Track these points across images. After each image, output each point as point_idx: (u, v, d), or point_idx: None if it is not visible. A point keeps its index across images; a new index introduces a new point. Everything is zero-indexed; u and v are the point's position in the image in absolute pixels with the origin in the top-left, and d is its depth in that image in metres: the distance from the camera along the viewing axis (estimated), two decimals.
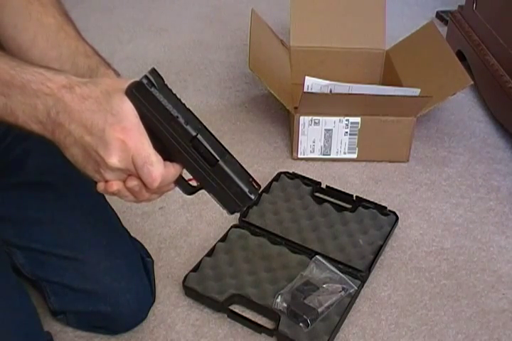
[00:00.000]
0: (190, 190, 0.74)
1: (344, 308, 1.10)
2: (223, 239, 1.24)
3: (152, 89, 0.66)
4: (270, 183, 1.40)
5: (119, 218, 1.10)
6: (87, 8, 2.34)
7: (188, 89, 1.85)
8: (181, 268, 1.19)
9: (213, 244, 1.22)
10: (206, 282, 1.13)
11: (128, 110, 0.65)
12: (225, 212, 0.74)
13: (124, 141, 0.65)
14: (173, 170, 0.69)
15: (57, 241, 1.00)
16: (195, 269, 1.16)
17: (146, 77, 0.66)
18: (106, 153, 0.65)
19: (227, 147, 0.73)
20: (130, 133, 0.65)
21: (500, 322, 1.13)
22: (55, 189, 1.02)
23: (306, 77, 1.47)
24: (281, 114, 1.71)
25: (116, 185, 0.69)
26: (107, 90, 0.66)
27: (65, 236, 1.01)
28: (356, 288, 1.13)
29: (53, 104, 0.66)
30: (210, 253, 1.20)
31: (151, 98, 0.66)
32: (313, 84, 1.47)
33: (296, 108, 1.46)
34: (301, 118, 1.46)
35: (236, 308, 1.11)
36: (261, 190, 1.36)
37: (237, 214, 1.28)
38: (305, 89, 1.46)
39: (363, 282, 1.16)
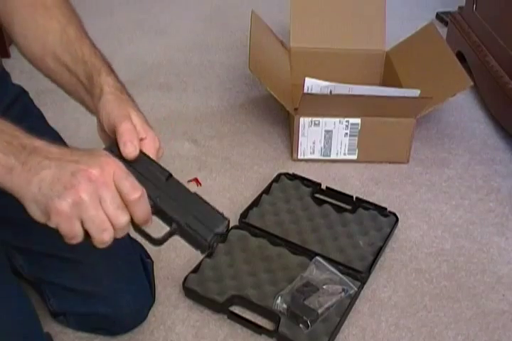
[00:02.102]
0: (156, 242, 0.74)
1: (344, 309, 1.10)
2: (223, 240, 1.24)
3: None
4: (270, 184, 1.39)
5: None
6: (87, 9, 2.33)
7: (187, 90, 1.86)
8: (181, 270, 1.19)
9: None
10: (206, 283, 1.13)
11: (109, 157, 0.67)
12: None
13: (106, 160, 0.65)
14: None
15: (57, 243, 0.99)
16: (195, 270, 1.16)
17: None
18: (90, 162, 0.64)
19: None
20: (110, 158, 0.66)
21: (500, 323, 1.13)
22: None
23: (306, 78, 1.47)
24: (282, 115, 1.71)
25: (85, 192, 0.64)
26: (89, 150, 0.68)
27: None
28: (356, 289, 1.13)
29: (30, 142, 0.65)
30: (210, 255, 1.20)
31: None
32: (313, 85, 1.47)
33: (296, 109, 1.46)
34: (301, 119, 1.46)
35: (236, 309, 1.11)
36: (261, 191, 1.37)
37: (237, 216, 1.28)
38: (305, 90, 1.46)
39: (363, 283, 1.16)
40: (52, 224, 0.64)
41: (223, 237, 0.74)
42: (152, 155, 0.74)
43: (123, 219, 0.66)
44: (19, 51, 0.89)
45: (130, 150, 0.71)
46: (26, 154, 0.64)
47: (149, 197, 0.68)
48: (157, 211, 0.71)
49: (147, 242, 0.74)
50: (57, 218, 0.63)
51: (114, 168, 0.65)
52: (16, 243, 1.01)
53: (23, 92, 1.10)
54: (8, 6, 0.87)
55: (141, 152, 0.73)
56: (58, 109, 1.63)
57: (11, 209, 1.00)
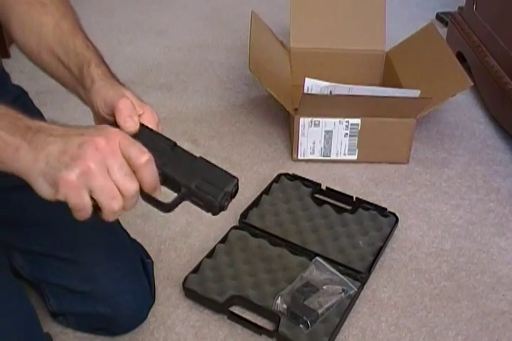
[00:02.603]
0: (166, 208, 0.74)
1: (344, 310, 1.09)
2: (223, 240, 1.24)
3: None
4: (270, 185, 1.39)
5: (118, 219, 1.10)
6: (88, 9, 2.34)
7: (187, 90, 1.86)
8: (181, 270, 1.19)
9: (213, 246, 1.22)
10: (206, 283, 1.13)
11: (113, 127, 0.68)
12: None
13: (111, 130, 0.66)
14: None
15: (57, 243, 1.00)
16: (195, 270, 1.16)
17: None
18: (95, 133, 0.64)
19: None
20: (115, 129, 0.67)
21: (500, 323, 1.13)
22: None
23: (306, 79, 1.47)
24: (281, 116, 1.71)
25: (93, 165, 0.63)
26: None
27: (64, 238, 1.01)
28: (356, 289, 1.13)
29: (35, 123, 0.66)
30: (210, 255, 1.20)
31: None
32: (313, 85, 1.47)
33: (296, 109, 1.46)
34: (301, 119, 1.46)
35: (236, 310, 1.11)
36: (261, 191, 1.37)
37: (237, 216, 1.28)
38: (305, 91, 1.46)
39: (363, 283, 1.16)
40: (60, 197, 0.64)
41: (233, 197, 0.73)
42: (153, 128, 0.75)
43: (132, 186, 0.66)
44: (18, 47, 0.90)
45: (131, 125, 0.72)
46: (32, 133, 0.65)
47: (156, 166, 0.68)
48: (165, 179, 0.71)
49: (157, 210, 0.74)
50: (66, 189, 0.63)
51: (120, 136, 0.66)
52: (15, 243, 1.01)
53: (22, 93, 1.10)
54: (5, 4, 0.88)
55: (143, 125, 0.73)
56: (58, 109, 1.63)
57: (11, 209, 1.01)
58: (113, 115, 0.73)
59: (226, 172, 0.73)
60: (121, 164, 0.65)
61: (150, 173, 0.67)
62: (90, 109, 0.80)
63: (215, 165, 0.73)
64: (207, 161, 0.73)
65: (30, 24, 0.86)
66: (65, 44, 0.83)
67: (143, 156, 0.66)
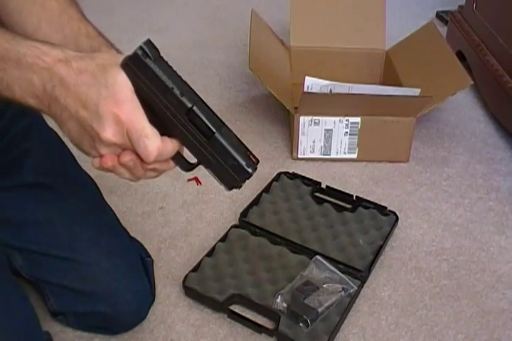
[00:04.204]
0: (188, 167, 0.73)
1: (344, 308, 1.10)
2: (223, 239, 1.24)
3: (147, 60, 0.65)
4: (270, 183, 1.39)
5: (118, 218, 1.10)
6: (87, 7, 2.31)
7: None
8: (181, 268, 1.19)
9: (213, 244, 1.22)
10: (206, 282, 1.13)
11: (122, 83, 0.65)
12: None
13: (117, 115, 0.64)
14: (171, 144, 0.68)
15: (56, 242, 1.00)
16: (195, 269, 1.16)
17: (140, 48, 0.65)
18: (100, 128, 0.64)
19: None
20: (124, 106, 0.64)
21: (500, 322, 1.13)
22: (53, 190, 1.02)
23: (306, 77, 1.47)
24: (281, 114, 1.71)
25: (110, 161, 0.67)
26: (103, 64, 0.65)
27: (63, 237, 1.01)
28: (356, 288, 1.13)
29: (49, 78, 0.65)
30: (210, 254, 1.20)
31: (145, 69, 0.65)
32: (313, 84, 1.47)
33: (296, 108, 1.46)
34: (301, 118, 1.46)
35: (236, 308, 1.11)
36: (261, 190, 1.37)
37: (237, 215, 1.28)
38: (305, 89, 1.46)
39: (363, 282, 1.16)
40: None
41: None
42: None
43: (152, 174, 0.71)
44: (9, 27, 0.86)
45: None
46: (47, 99, 0.66)
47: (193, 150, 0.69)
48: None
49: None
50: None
51: (128, 124, 0.65)
52: (15, 243, 1.01)
53: None
54: None
55: (197, 97, 0.73)
56: None
57: (11, 209, 1.00)
58: None
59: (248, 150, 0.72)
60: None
61: (162, 167, 0.71)
62: None
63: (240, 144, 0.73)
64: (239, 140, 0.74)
65: (31, 5, 0.84)
66: (75, 28, 0.83)
67: (149, 157, 0.66)
